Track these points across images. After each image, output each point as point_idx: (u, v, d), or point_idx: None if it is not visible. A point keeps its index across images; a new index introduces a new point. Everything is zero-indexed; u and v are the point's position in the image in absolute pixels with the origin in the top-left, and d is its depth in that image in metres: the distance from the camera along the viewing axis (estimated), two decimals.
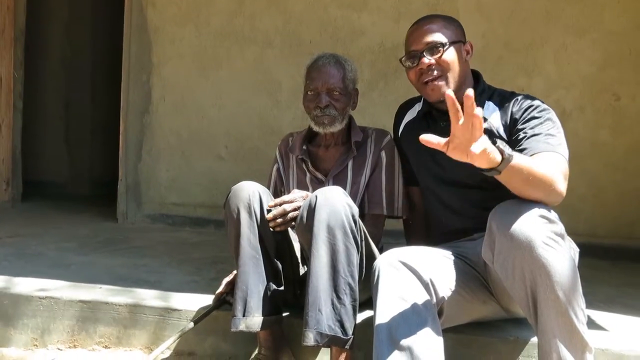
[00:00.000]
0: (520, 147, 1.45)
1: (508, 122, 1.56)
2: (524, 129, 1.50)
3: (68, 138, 5.30)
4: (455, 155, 1.18)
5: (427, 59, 1.57)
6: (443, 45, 1.57)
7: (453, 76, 1.58)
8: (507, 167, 1.21)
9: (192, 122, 3.56)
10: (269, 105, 3.44)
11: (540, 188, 1.29)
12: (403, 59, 1.65)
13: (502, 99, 1.61)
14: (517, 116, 1.54)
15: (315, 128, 1.80)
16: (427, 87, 1.60)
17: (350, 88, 1.82)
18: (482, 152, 1.13)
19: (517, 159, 1.23)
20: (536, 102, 1.55)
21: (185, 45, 3.54)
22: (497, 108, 1.59)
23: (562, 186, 1.33)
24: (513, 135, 1.52)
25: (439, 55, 1.56)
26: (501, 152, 1.19)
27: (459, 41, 1.61)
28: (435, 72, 1.57)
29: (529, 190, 1.29)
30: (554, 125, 1.49)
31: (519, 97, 1.59)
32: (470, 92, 1.12)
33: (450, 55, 1.57)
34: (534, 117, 1.51)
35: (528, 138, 1.45)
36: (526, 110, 1.53)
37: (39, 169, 4.96)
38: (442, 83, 1.58)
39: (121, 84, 3.65)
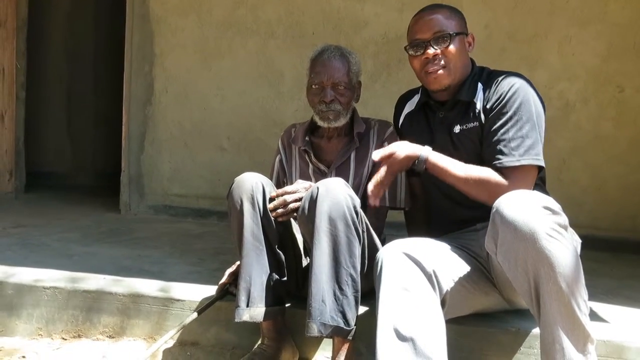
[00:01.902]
0: (485, 152, 1.56)
1: (486, 106, 1.58)
2: (489, 125, 1.55)
3: (70, 129, 5.31)
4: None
5: (433, 49, 1.58)
6: (450, 35, 1.58)
7: (456, 67, 1.60)
8: (429, 167, 1.51)
9: (194, 113, 3.56)
10: (272, 97, 3.44)
11: (476, 190, 1.48)
12: (407, 47, 1.66)
13: (487, 79, 1.63)
14: (491, 103, 1.57)
15: (320, 123, 1.80)
16: (430, 76, 1.61)
17: (355, 81, 1.82)
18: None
19: (434, 164, 1.51)
20: (511, 91, 1.53)
21: (188, 35, 3.54)
22: (481, 88, 1.62)
23: (485, 199, 1.43)
24: (486, 124, 1.57)
25: (445, 45, 1.58)
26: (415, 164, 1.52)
27: (462, 33, 1.62)
28: (441, 62, 1.59)
29: (468, 193, 1.51)
30: (521, 123, 1.50)
31: (499, 79, 1.59)
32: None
33: (455, 46, 1.59)
34: (501, 112, 1.53)
35: (490, 146, 1.53)
36: (498, 99, 1.55)
37: (41, 159, 4.97)
38: (445, 73, 1.60)
39: (123, 75, 3.65)
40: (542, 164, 1.51)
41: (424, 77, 1.64)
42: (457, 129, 1.62)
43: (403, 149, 1.52)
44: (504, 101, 1.53)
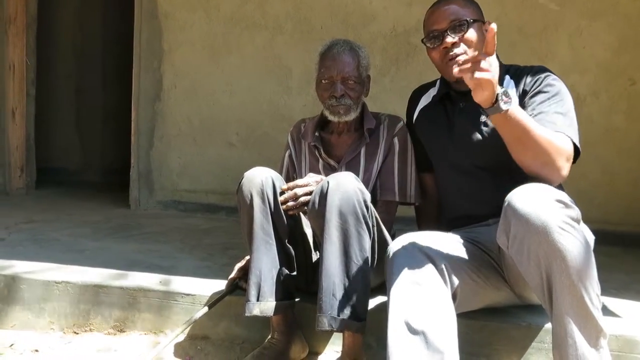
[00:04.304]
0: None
1: (520, 93, 1.55)
2: (531, 105, 1.50)
3: (80, 125, 5.34)
4: (460, 73, 1.28)
5: (451, 38, 1.54)
6: (467, 22, 1.54)
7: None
8: (502, 115, 1.29)
9: (203, 108, 3.57)
10: (280, 92, 3.44)
11: (534, 154, 1.35)
12: (424, 39, 1.62)
13: (517, 71, 1.61)
14: (527, 87, 1.54)
15: (331, 117, 1.79)
16: (451, 66, 1.54)
17: (364, 75, 1.81)
18: (481, 81, 1.25)
19: (517, 112, 1.30)
20: (546, 75, 1.53)
21: (196, 31, 3.54)
22: (512, 81, 1.59)
23: (562, 164, 1.36)
24: (526, 104, 1.52)
25: (462, 33, 1.54)
26: (500, 97, 1.27)
27: (479, 20, 1.59)
28: (461, 50, 1.54)
29: (523, 152, 1.36)
30: (562, 102, 1.48)
31: (534, 68, 1.58)
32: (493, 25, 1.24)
33: (473, 33, 1.55)
34: (541, 92, 1.50)
35: (534, 117, 1.44)
36: (535, 82, 1.53)
37: (51, 156, 5.00)
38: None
39: (132, 71, 3.66)
40: (579, 145, 1.44)
41: (445, 67, 1.58)
42: (484, 117, 1.57)
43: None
44: (543, 83, 1.51)
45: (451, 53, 1.55)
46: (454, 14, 1.55)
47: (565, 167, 1.37)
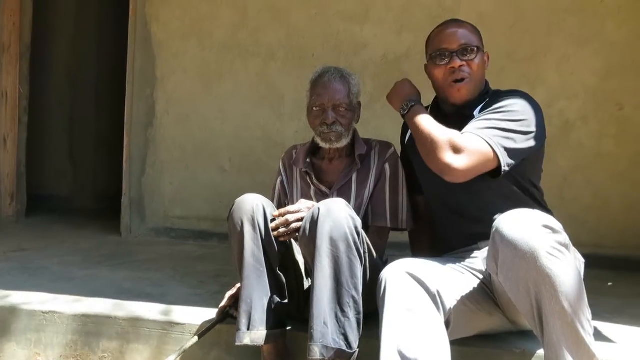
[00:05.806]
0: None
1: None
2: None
3: (72, 152, 5.32)
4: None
5: (459, 60, 1.59)
6: (477, 49, 1.60)
7: (477, 81, 1.62)
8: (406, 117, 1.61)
9: (195, 135, 3.57)
10: (272, 118, 3.45)
11: (419, 145, 1.53)
12: (432, 54, 1.64)
13: (495, 94, 1.65)
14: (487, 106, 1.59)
15: (322, 144, 1.80)
16: (454, 88, 1.60)
17: (355, 102, 1.83)
18: None
19: (413, 113, 1.59)
20: (511, 95, 1.57)
21: (189, 58, 3.57)
22: (485, 101, 1.63)
23: (441, 155, 1.42)
24: None
25: (471, 58, 1.59)
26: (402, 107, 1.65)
27: (483, 49, 1.65)
28: (465, 73, 1.59)
29: (418, 143, 1.54)
30: (500, 115, 1.49)
31: (510, 91, 1.63)
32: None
33: (479, 60, 1.61)
34: (492, 106, 1.54)
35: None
36: (498, 100, 1.56)
37: (43, 182, 4.97)
38: (469, 86, 1.60)
39: (125, 98, 3.68)
40: (499, 152, 1.43)
41: (447, 87, 1.62)
42: None
43: (406, 83, 1.73)
44: (500, 101, 1.54)
45: (456, 76, 1.59)
46: (465, 38, 1.61)
47: (446, 158, 1.41)
